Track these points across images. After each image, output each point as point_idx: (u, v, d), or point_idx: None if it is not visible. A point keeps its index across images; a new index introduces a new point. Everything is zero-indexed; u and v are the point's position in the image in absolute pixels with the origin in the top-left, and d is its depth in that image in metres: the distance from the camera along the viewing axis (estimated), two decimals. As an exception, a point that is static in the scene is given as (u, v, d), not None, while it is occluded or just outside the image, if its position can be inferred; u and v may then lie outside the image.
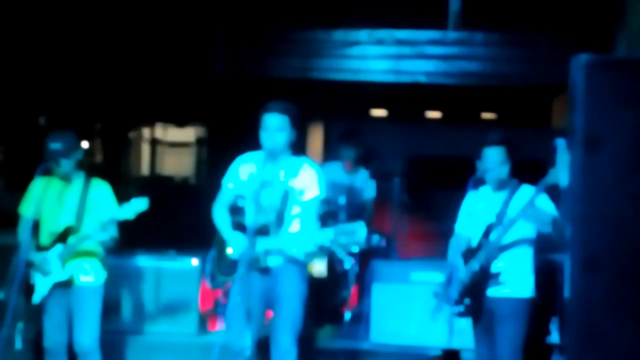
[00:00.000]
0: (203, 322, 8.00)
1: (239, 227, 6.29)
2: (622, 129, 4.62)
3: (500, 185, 6.40)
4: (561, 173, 5.18)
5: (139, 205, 6.47)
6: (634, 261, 4.57)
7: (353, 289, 8.48)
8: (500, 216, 6.31)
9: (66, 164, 6.61)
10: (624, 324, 4.42)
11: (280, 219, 6.19)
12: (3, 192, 11.94)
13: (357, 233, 5.82)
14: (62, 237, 6.59)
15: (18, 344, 6.67)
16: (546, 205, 6.22)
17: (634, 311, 4.49)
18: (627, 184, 4.62)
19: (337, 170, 9.73)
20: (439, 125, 14.20)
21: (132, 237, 7.35)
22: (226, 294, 7.20)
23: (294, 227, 6.25)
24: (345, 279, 8.48)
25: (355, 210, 9.05)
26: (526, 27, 10.22)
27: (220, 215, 6.43)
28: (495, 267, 6.28)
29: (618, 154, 4.61)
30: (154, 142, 19.98)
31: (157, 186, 17.19)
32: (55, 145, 6.51)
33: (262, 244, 6.05)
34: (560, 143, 5.13)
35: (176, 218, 9.83)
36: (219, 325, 7.67)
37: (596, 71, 4.70)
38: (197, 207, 6.64)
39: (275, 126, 6.16)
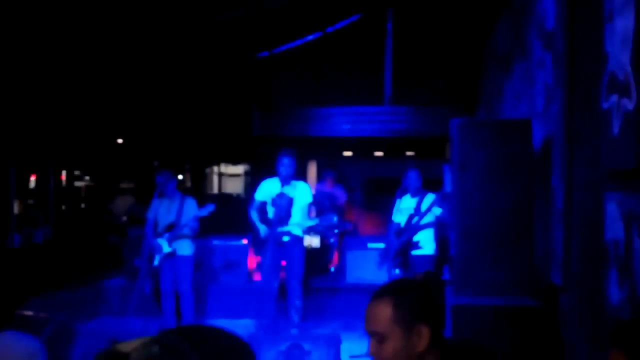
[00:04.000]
0: (250, 275, 8.03)
1: (264, 220, 6.44)
2: (478, 159, 4.77)
3: (415, 193, 6.52)
4: (446, 184, 5.32)
5: (210, 208, 6.63)
6: (487, 231, 4.70)
7: (335, 254, 8.53)
8: (417, 210, 6.43)
9: (168, 189, 6.77)
10: (485, 266, 4.55)
11: (288, 215, 6.32)
12: (136, 205, 12.12)
13: (332, 220, 6.01)
14: (168, 228, 6.72)
15: (147, 290, 6.79)
16: (438, 207, 6.36)
17: (489, 257, 4.62)
18: (480, 191, 4.76)
19: (324, 186, 9.84)
20: (382, 159, 14.24)
21: (212, 228, 7.46)
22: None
23: (296, 218, 6.36)
24: (331, 248, 8.53)
25: (335, 208, 9.13)
26: (430, 101, 10.31)
27: (253, 214, 6.54)
28: (415, 238, 6.40)
29: (475, 174, 4.75)
30: (220, 174, 20.08)
31: (223, 200, 17.22)
32: (159, 179, 6.71)
33: (279, 229, 6.22)
34: (446, 167, 5.28)
35: (234, 217, 9.85)
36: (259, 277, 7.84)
37: (464, 127, 4.85)
38: (246, 211, 6.75)
39: (288, 163, 6.31)
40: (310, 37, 10.47)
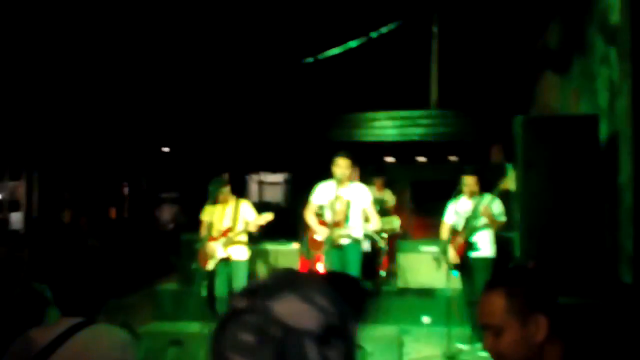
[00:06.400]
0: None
1: (321, 222, 6.42)
2: (543, 156, 4.73)
3: (472, 195, 6.41)
4: (510, 182, 5.24)
5: (268, 216, 6.62)
6: (553, 230, 4.66)
7: (384, 258, 8.46)
8: (474, 211, 6.33)
9: (221, 195, 6.79)
10: (552, 265, 4.50)
11: (346, 218, 6.28)
12: (180, 214, 12.16)
13: (394, 223, 5.94)
14: (224, 233, 6.71)
15: (203, 293, 6.82)
16: (497, 205, 6.27)
17: (556, 256, 4.57)
18: (546, 188, 4.72)
19: (373, 190, 9.81)
20: (425, 164, 14.18)
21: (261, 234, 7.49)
22: (315, 262, 7.30)
23: (354, 221, 6.32)
24: (380, 252, 8.46)
25: (384, 213, 9.10)
26: (476, 105, 10.22)
27: (310, 217, 6.49)
28: (472, 239, 6.31)
29: (541, 172, 4.72)
30: (260, 182, 20.17)
31: (263, 208, 17.29)
32: (210, 187, 6.72)
33: (337, 232, 6.18)
34: (509, 166, 5.22)
35: (276, 224, 9.89)
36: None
37: (528, 124, 4.82)
38: (286, 218, 6.74)
39: (344, 165, 6.26)
40: (354, 43, 10.45)
